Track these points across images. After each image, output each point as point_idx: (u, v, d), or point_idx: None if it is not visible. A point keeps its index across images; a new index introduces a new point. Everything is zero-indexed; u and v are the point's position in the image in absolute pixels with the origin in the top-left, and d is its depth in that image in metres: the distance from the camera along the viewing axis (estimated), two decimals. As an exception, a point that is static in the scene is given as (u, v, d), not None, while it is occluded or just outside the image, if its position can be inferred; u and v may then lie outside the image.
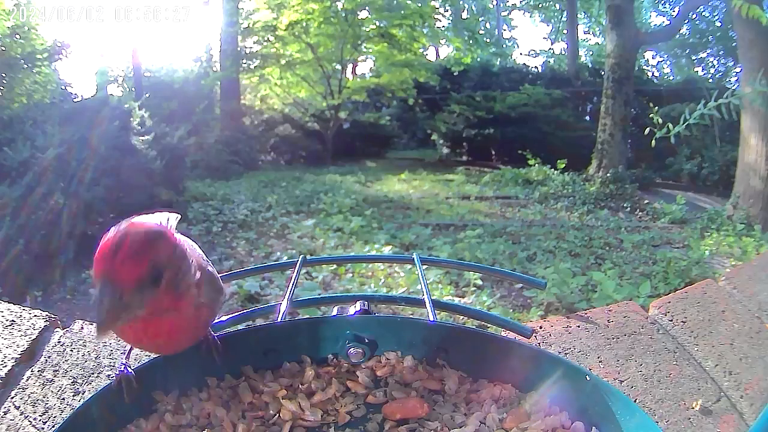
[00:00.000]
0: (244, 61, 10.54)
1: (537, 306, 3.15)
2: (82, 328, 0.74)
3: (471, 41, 14.33)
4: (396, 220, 5.72)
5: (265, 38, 10.33)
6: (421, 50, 11.54)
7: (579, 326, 0.80)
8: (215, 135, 8.96)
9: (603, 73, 9.01)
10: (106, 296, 0.35)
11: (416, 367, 0.49)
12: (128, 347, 0.51)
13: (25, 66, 5.96)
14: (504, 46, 16.21)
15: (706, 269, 3.81)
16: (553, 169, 8.36)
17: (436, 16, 11.57)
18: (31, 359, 0.68)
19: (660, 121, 2.04)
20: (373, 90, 11.17)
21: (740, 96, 1.80)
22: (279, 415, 0.45)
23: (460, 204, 6.79)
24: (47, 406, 0.61)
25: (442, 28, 13.61)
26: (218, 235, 4.90)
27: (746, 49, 5.73)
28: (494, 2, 16.20)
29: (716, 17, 11.98)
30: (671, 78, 13.30)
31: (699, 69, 13.38)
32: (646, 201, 7.18)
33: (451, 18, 14.56)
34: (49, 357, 0.69)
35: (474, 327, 0.62)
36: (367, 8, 10.39)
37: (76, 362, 0.68)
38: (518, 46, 16.94)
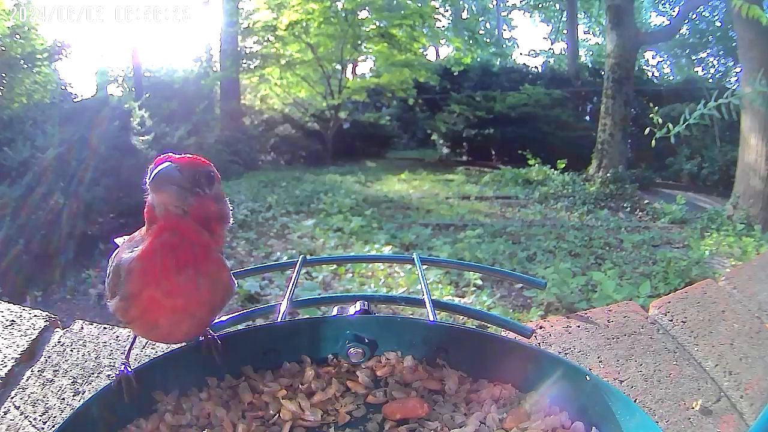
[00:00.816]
0: (244, 61, 10.54)
1: (537, 306, 3.15)
2: (82, 328, 0.74)
3: (471, 41, 14.32)
4: (396, 220, 5.72)
5: (265, 38, 10.33)
6: (421, 50, 11.53)
7: (579, 326, 0.80)
8: (215, 135, 8.96)
9: (603, 73, 9.01)
10: (166, 169, 0.41)
11: (416, 367, 0.49)
12: (128, 347, 0.51)
13: (25, 66, 5.96)
14: (504, 46, 16.19)
15: (706, 269, 3.81)
16: (553, 169, 8.36)
17: (436, 16, 11.58)
18: (31, 359, 0.68)
19: (660, 121, 2.04)
20: (373, 90, 11.17)
21: (740, 96, 1.80)
22: (279, 415, 0.45)
23: (460, 204, 6.79)
24: (47, 406, 0.61)
25: (442, 28, 13.61)
26: (218, 235, 4.89)
27: (746, 49, 5.73)
28: (494, 2, 16.19)
29: (716, 17, 11.98)
30: (671, 78, 13.30)
31: (699, 69, 13.38)
32: (646, 201, 7.18)
33: (451, 18, 14.56)
34: (49, 357, 0.69)
35: (474, 327, 0.62)
36: (367, 8, 10.39)
37: (76, 362, 0.68)
38: (518, 46, 16.92)
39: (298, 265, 0.72)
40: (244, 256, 4.36)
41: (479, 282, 3.44)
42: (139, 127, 5.07)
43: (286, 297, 0.62)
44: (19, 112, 4.86)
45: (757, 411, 0.65)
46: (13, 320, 0.74)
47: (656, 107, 2.50)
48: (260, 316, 0.73)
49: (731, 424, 0.63)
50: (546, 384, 0.45)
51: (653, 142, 2.07)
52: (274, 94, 11.26)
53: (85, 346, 0.71)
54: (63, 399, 0.63)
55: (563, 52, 14.87)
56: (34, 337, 0.71)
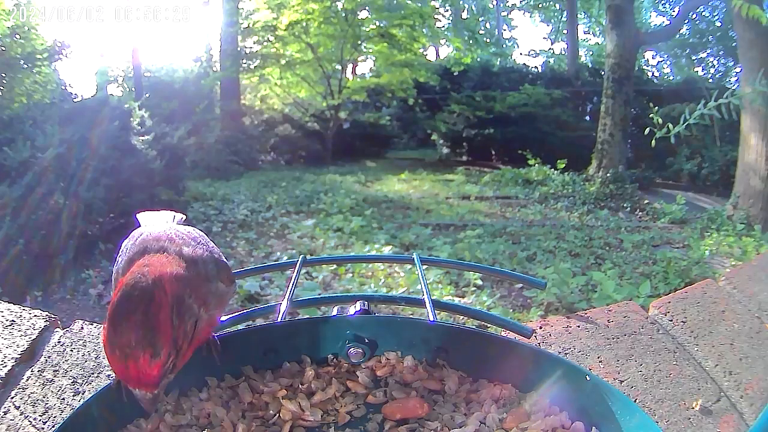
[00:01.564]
0: (244, 61, 10.54)
1: (537, 306, 3.15)
2: (82, 328, 0.74)
3: (471, 41, 14.32)
4: (396, 220, 5.72)
5: (265, 38, 10.32)
6: (421, 50, 11.52)
7: (579, 326, 0.80)
8: (215, 135, 8.97)
9: (603, 73, 9.00)
10: (143, 400, 0.37)
11: (416, 367, 0.49)
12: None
13: (25, 66, 5.95)
14: (504, 46, 16.18)
15: (706, 269, 3.81)
16: (553, 169, 8.35)
17: (436, 16, 11.58)
18: (31, 359, 0.68)
19: (660, 121, 2.04)
20: (373, 90, 11.16)
21: (740, 96, 1.80)
22: (279, 415, 0.45)
23: (460, 204, 6.79)
24: (47, 406, 0.61)
25: (442, 28, 13.61)
26: (218, 235, 4.90)
27: (746, 49, 5.73)
28: (494, 2, 16.18)
29: (716, 17, 11.97)
30: (671, 78, 13.27)
31: (699, 69, 13.36)
32: (646, 201, 7.18)
33: (451, 18, 14.56)
34: (49, 357, 0.69)
35: (474, 327, 0.62)
36: (367, 8, 10.39)
37: (76, 362, 0.68)
38: (518, 46, 16.89)
39: (298, 265, 0.72)
40: (244, 256, 4.36)
41: (479, 282, 3.44)
42: (139, 127, 5.06)
43: (286, 297, 0.62)
44: (19, 112, 4.86)
45: (757, 411, 0.65)
46: (13, 320, 0.74)
47: (656, 107, 2.50)
48: (260, 316, 0.73)
49: (731, 424, 0.63)
50: (546, 384, 0.45)
51: (653, 142, 2.07)
52: (274, 94, 11.26)
53: (85, 346, 0.71)
54: (63, 399, 0.63)
55: (563, 52, 14.86)
56: (34, 337, 0.71)
